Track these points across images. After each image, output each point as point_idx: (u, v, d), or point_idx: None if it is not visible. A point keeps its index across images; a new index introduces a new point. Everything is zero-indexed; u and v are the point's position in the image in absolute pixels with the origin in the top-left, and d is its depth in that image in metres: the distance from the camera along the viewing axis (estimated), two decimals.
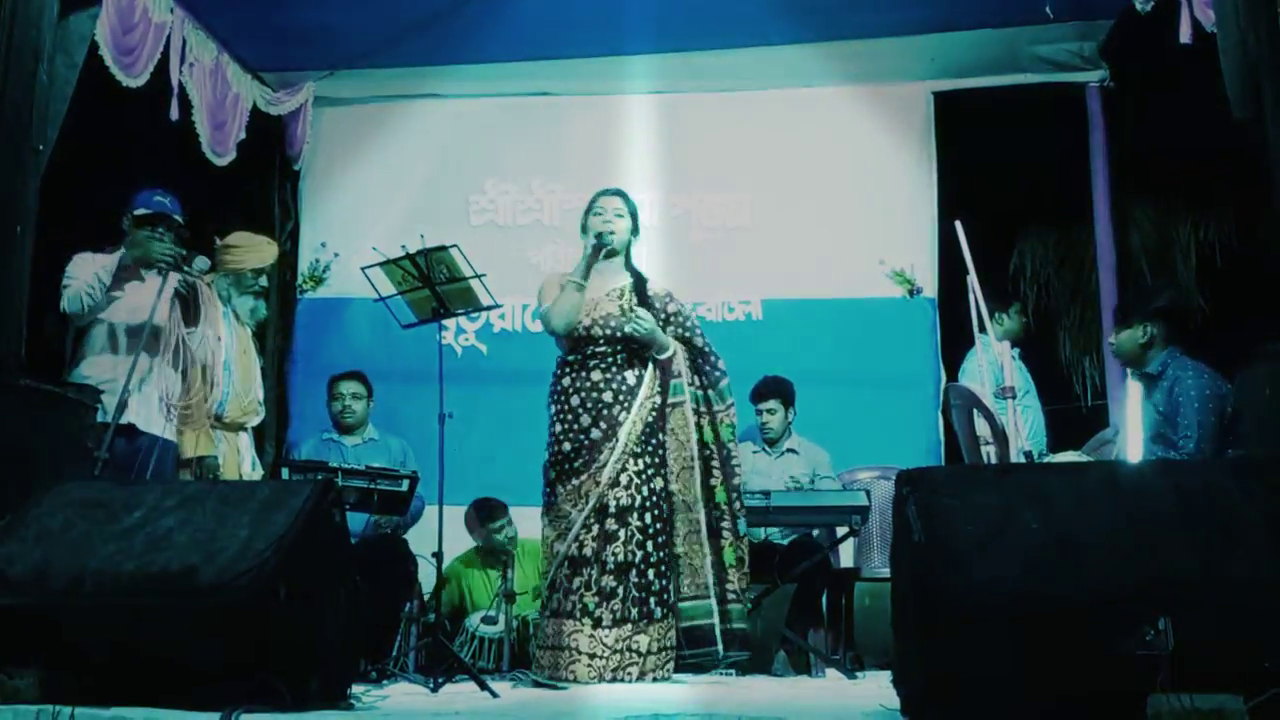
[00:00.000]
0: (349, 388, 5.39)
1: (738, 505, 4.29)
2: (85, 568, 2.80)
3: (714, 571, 4.20)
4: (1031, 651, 2.44)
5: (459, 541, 5.47)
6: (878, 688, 3.64)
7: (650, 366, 4.23)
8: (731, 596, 4.20)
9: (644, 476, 4.12)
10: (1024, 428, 5.66)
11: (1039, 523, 2.56)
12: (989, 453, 4.71)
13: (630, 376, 4.19)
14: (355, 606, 3.15)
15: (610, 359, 4.20)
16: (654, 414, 4.20)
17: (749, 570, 4.31)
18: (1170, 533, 2.51)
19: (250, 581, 2.71)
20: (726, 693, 3.87)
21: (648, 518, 4.10)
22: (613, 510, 4.07)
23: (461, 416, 4.27)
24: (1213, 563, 2.44)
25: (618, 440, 4.11)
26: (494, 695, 3.62)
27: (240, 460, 4.72)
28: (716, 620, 4.15)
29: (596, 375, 4.19)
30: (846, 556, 5.37)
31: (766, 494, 4.73)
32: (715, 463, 4.29)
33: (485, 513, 5.35)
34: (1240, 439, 3.97)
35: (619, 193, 4.40)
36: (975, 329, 4.86)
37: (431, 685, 3.80)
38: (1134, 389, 4.52)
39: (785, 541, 5.10)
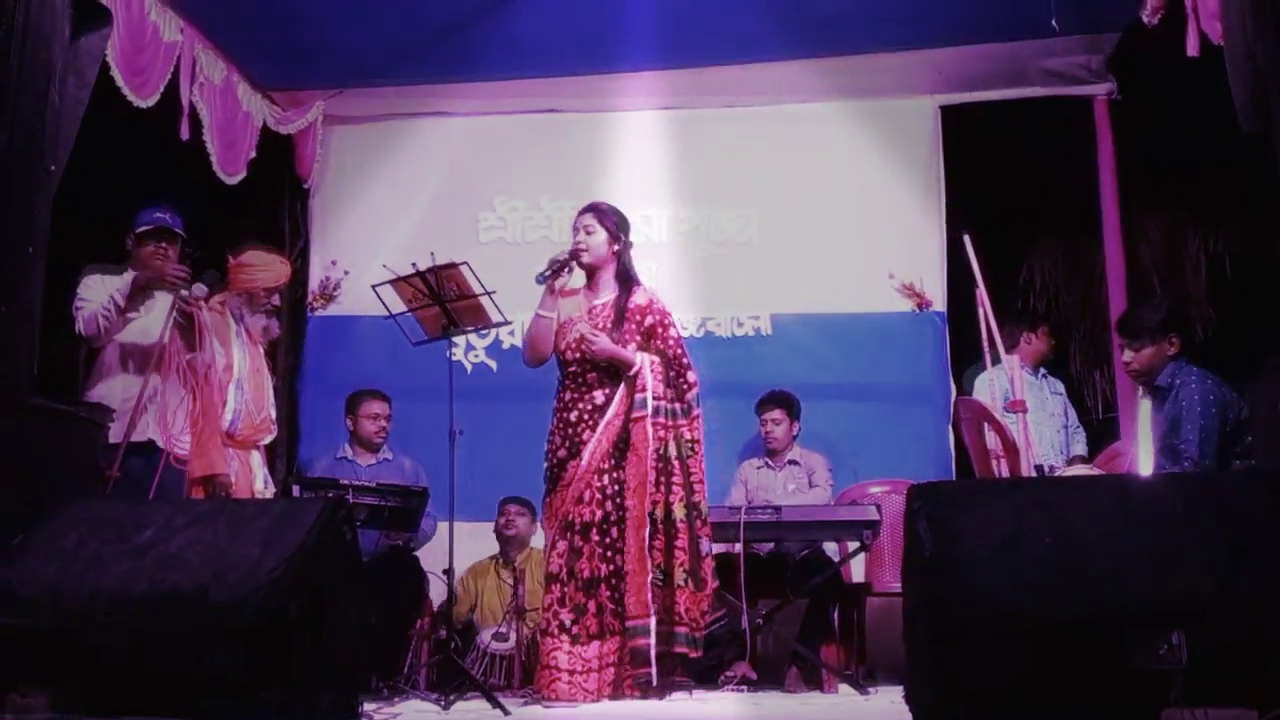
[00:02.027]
0: (381, 408, 5.40)
1: (698, 523, 4.07)
2: (97, 587, 2.81)
3: (656, 590, 3.97)
4: (1044, 666, 2.43)
5: (470, 558, 5.47)
6: (890, 703, 3.64)
7: (623, 384, 4.18)
8: (676, 619, 3.97)
9: (607, 493, 4.08)
10: (1067, 441, 5.66)
11: (1051, 537, 2.55)
12: (999, 466, 4.69)
13: (600, 395, 4.17)
14: (366, 623, 3.15)
15: (580, 379, 4.21)
16: (626, 430, 4.16)
17: (709, 589, 4.05)
18: (1183, 546, 2.50)
19: (262, 600, 2.71)
20: (738, 709, 3.86)
21: (614, 532, 4.06)
22: (577, 527, 4.06)
23: (472, 433, 4.28)
24: (1225, 576, 2.43)
25: (581, 459, 4.10)
26: (505, 712, 3.62)
27: (252, 478, 4.72)
28: (653, 641, 3.91)
29: (568, 395, 4.23)
30: (858, 571, 5.36)
31: (777, 509, 4.72)
32: (675, 478, 4.07)
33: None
34: (1250, 451, 3.95)
35: (590, 208, 4.36)
36: (984, 342, 4.85)
37: (442, 702, 3.80)
38: (1145, 401, 4.49)
39: (798, 556, 5.09)
